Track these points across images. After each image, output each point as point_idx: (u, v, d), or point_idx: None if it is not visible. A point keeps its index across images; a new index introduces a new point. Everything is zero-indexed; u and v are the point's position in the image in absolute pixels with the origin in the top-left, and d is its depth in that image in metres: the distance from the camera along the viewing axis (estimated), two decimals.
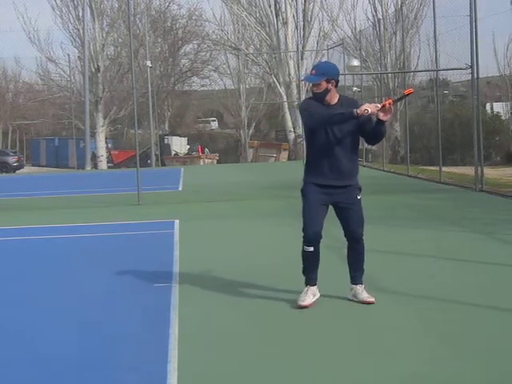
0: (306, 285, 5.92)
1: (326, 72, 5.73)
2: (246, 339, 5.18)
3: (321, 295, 5.96)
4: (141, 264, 8.00)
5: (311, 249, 5.79)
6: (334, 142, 5.72)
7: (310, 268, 5.90)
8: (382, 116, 5.61)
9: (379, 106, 5.61)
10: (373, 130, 5.78)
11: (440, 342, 4.92)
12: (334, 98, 5.76)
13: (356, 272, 6.03)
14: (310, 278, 5.91)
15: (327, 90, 5.70)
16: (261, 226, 10.77)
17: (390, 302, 6.05)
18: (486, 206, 12.89)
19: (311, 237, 5.77)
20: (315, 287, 5.93)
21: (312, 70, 5.85)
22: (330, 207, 5.93)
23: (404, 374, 4.33)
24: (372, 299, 5.93)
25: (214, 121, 61.09)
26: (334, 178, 5.76)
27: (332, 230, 9.82)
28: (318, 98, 5.75)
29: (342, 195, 5.81)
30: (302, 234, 5.84)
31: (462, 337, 5.02)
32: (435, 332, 5.18)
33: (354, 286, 6.03)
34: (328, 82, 5.68)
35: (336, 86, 5.75)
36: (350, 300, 6.04)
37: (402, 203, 13.25)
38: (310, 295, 5.86)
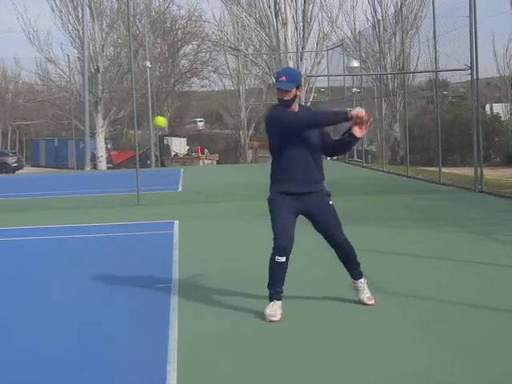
0: (272, 300, 5.60)
1: (296, 79, 5.60)
2: (246, 340, 5.18)
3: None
4: (140, 264, 8.00)
5: (283, 259, 5.52)
6: (306, 150, 5.61)
7: (279, 280, 5.60)
8: (357, 132, 5.55)
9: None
10: (342, 142, 5.78)
11: (440, 343, 4.92)
12: (296, 105, 5.66)
13: (352, 269, 5.96)
14: (278, 291, 5.62)
15: (295, 97, 5.59)
16: (260, 227, 10.72)
17: (389, 302, 6.05)
18: (486, 206, 12.89)
19: (285, 246, 5.51)
20: (281, 302, 5.63)
21: (281, 76, 5.60)
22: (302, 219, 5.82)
23: (404, 375, 4.34)
24: (371, 301, 5.90)
25: (202, 121, 61.53)
26: (307, 184, 5.65)
27: None
28: (285, 105, 5.59)
29: (315, 202, 5.67)
30: (272, 245, 5.57)
31: (462, 337, 5.03)
32: (435, 332, 5.18)
33: (355, 281, 5.97)
34: (297, 88, 5.59)
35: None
36: (349, 301, 6.05)
37: (401, 204, 13.25)
38: (278, 309, 5.58)
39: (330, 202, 5.78)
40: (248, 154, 38.57)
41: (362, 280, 5.96)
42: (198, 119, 61.49)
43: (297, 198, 5.64)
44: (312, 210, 5.70)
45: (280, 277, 5.62)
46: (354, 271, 5.96)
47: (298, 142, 5.60)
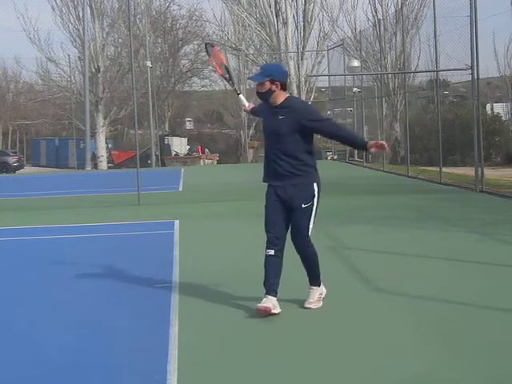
0: (265, 295, 5.66)
1: (271, 73, 5.73)
2: (246, 339, 5.18)
3: (280, 313, 5.63)
4: (141, 264, 8.00)
5: (271, 252, 5.67)
6: (271, 143, 5.76)
7: (270, 274, 5.67)
8: (373, 150, 5.72)
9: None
10: (348, 143, 6.08)
11: (440, 343, 4.92)
12: (278, 98, 5.73)
13: (308, 274, 5.93)
14: (270, 286, 5.66)
15: (271, 91, 5.71)
16: (261, 227, 10.73)
17: (389, 302, 6.05)
18: (486, 206, 12.89)
19: (270, 239, 5.69)
20: (275, 299, 5.66)
21: (258, 70, 5.94)
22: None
23: (404, 375, 4.34)
24: (309, 306, 5.83)
25: (190, 121, 61.97)
26: (274, 178, 5.74)
27: (332, 231, 9.82)
28: (262, 97, 5.81)
29: (287, 197, 5.68)
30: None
31: (462, 337, 5.02)
32: (435, 333, 5.18)
33: (309, 285, 5.95)
34: (272, 82, 5.68)
35: (282, 88, 5.72)
36: (349, 301, 6.05)
37: (401, 204, 13.25)
38: (270, 304, 5.60)
39: (304, 206, 5.65)
40: (248, 154, 38.56)
41: (313, 287, 5.91)
42: (188, 119, 61.87)
43: (276, 190, 5.74)
44: (286, 204, 5.71)
45: (270, 271, 5.68)
46: (309, 276, 5.93)
47: (266, 136, 5.87)
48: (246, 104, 6.56)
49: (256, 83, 5.86)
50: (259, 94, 5.82)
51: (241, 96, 6.62)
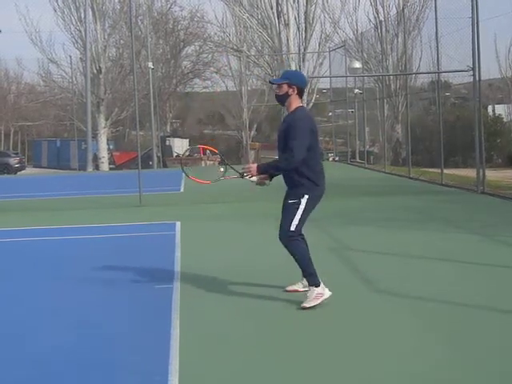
0: None
1: (289, 77, 6.04)
2: (247, 340, 5.18)
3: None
4: (142, 265, 8.00)
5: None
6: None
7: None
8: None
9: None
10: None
11: (440, 343, 4.92)
12: (292, 105, 6.00)
13: (301, 272, 6.05)
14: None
15: (287, 94, 5.97)
16: (262, 228, 10.75)
17: (389, 303, 6.05)
18: (488, 208, 12.88)
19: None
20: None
21: (281, 73, 6.23)
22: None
23: (403, 375, 4.34)
24: (303, 305, 5.84)
25: (176, 122, 62.58)
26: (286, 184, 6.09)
27: (333, 232, 9.81)
28: (280, 100, 6.04)
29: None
30: None
31: (462, 337, 5.02)
32: (435, 333, 5.18)
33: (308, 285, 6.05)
34: (290, 86, 5.96)
35: (299, 94, 5.98)
36: (349, 301, 6.05)
37: (403, 205, 13.24)
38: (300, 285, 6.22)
39: (290, 201, 5.92)
40: (250, 155, 38.56)
41: (309, 287, 5.94)
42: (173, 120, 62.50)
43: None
44: None
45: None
46: (303, 275, 6.05)
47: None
48: (255, 178, 6.19)
49: (275, 87, 6.13)
50: (277, 97, 6.06)
51: (247, 178, 6.18)
